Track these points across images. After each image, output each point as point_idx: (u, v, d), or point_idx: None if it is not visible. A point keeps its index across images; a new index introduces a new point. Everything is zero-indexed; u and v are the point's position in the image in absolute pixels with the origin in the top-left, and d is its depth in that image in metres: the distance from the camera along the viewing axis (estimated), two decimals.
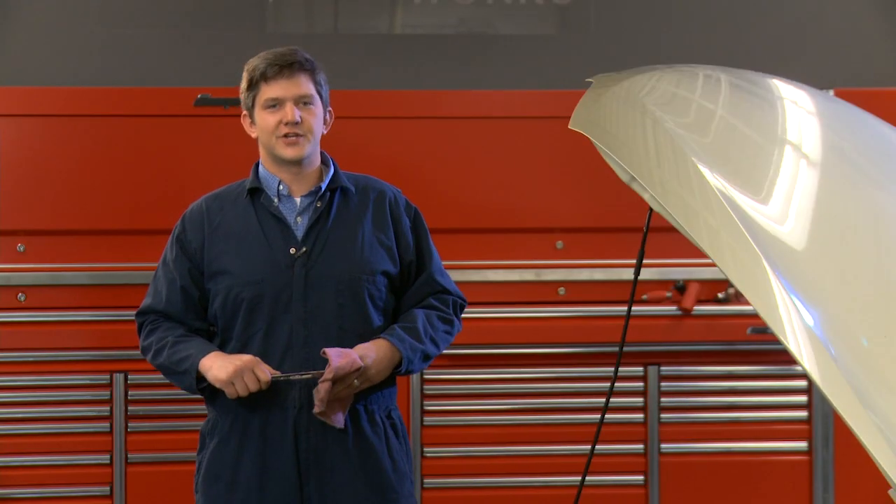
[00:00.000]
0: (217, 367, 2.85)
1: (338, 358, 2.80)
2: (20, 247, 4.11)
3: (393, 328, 2.97)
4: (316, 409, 2.82)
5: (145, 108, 4.14)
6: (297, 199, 3.00)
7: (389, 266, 3.02)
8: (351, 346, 2.88)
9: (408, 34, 4.83)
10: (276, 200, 2.99)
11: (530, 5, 4.78)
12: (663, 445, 4.25)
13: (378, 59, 4.68)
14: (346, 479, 2.92)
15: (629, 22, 4.78)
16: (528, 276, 4.24)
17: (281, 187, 2.99)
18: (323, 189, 3.00)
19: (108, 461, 4.09)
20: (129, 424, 4.10)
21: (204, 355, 2.90)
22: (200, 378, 2.91)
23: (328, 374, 2.78)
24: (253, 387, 2.82)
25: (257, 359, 2.85)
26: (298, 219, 2.98)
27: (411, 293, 3.08)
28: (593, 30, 4.77)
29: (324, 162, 3.07)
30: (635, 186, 2.26)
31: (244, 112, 3.02)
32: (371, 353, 2.88)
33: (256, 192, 3.01)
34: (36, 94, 4.15)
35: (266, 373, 2.83)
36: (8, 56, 4.57)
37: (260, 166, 3.04)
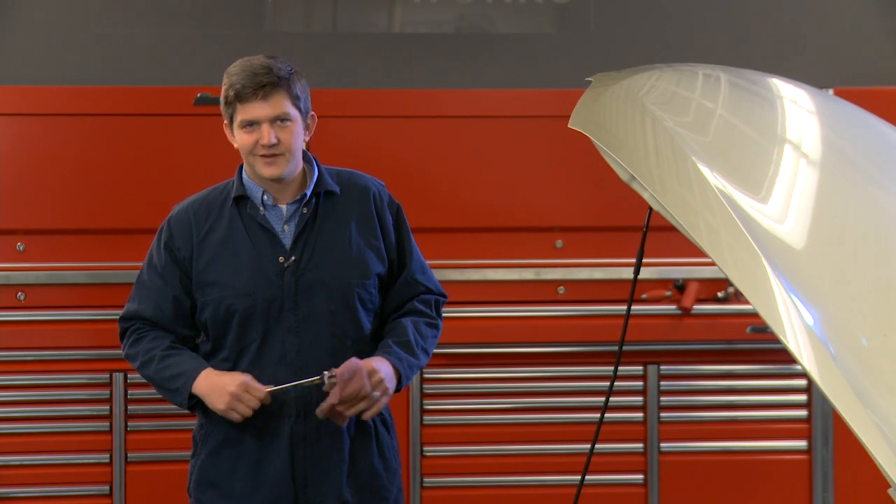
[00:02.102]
0: (212, 396, 2.85)
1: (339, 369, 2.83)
2: (20, 246, 4.10)
3: (388, 345, 2.95)
4: (338, 422, 2.88)
5: (145, 108, 4.14)
6: (283, 207, 2.95)
7: (379, 267, 3.00)
8: (344, 353, 2.89)
9: (407, 33, 4.83)
10: (261, 209, 2.95)
11: (530, 4, 4.78)
12: (663, 445, 4.24)
13: (377, 58, 4.67)
14: (341, 484, 2.91)
15: (629, 21, 4.78)
16: (528, 275, 4.24)
17: (265, 197, 2.94)
18: (308, 195, 2.95)
19: (107, 460, 4.09)
20: (128, 424, 4.10)
21: (196, 375, 2.88)
22: (191, 396, 2.90)
23: (338, 375, 2.81)
24: (254, 405, 2.83)
25: (247, 380, 2.83)
26: (285, 227, 2.94)
27: (394, 292, 3.05)
28: (593, 29, 4.77)
29: (306, 161, 3.00)
30: (635, 185, 2.25)
31: (225, 122, 2.94)
32: (382, 367, 2.88)
33: (242, 199, 2.97)
34: (36, 93, 4.15)
35: (261, 390, 2.83)
36: (8, 56, 4.57)
37: (244, 173, 2.99)
